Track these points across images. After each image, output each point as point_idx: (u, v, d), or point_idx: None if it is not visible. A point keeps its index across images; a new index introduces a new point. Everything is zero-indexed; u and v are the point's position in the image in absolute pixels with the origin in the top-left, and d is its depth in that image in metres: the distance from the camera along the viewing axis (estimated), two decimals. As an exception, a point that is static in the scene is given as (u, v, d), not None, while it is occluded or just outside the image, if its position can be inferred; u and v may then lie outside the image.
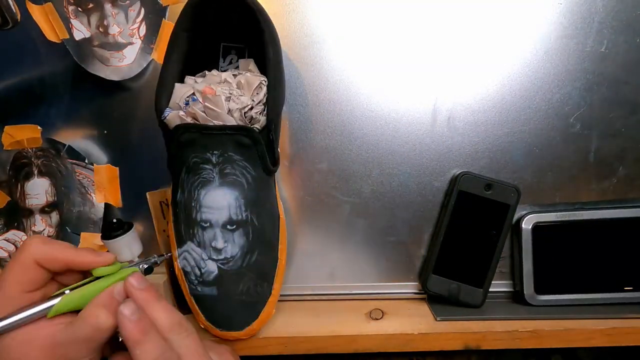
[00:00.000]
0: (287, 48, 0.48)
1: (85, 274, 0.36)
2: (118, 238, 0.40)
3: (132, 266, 0.37)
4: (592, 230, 0.48)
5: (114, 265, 0.35)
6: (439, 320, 0.46)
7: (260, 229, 0.42)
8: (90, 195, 0.48)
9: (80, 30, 0.46)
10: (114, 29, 0.46)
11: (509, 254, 0.50)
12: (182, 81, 0.44)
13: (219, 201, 0.40)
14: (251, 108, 0.42)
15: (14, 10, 0.46)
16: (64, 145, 0.48)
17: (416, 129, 0.49)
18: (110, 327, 0.32)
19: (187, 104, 0.42)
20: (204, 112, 0.40)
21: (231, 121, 0.40)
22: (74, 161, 0.48)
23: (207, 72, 0.45)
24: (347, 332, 0.44)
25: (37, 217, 0.48)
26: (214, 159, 0.40)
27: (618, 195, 0.49)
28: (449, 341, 0.44)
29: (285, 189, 0.50)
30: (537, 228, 0.48)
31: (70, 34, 0.46)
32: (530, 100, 0.48)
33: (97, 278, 0.35)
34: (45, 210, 0.48)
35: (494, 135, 0.49)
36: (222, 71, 0.47)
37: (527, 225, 0.48)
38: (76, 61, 0.47)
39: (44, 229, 0.48)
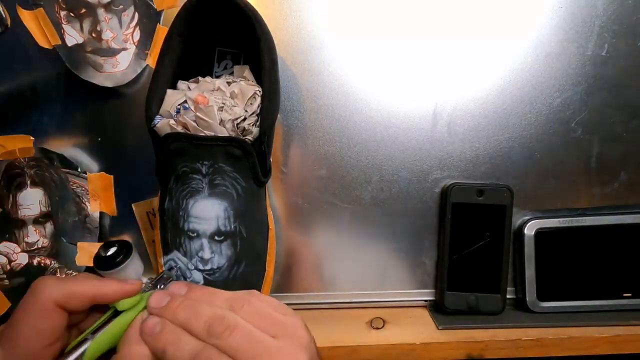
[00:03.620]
0: (284, 53, 0.47)
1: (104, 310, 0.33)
2: (125, 264, 0.35)
3: (148, 289, 0.34)
4: (594, 236, 0.48)
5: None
6: (441, 329, 0.45)
7: (249, 241, 0.41)
8: (84, 204, 0.47)
9: (73, 36, 0.45)
10: (107, 35, 0.45)
11: (512, 260, 0.50)
12: (174, 86, 0.43)
13: (208, 212, 0.39)
14: (244, 119, 0.41)
15: (4, 16, 0.45)
16: (57, 154, 0.47)
17: (416, 134, 0.49)
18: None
19: (178, 112, 0.41)
20: (195, 121, 0.39)
21: (223, 132, 0.39)
22: (68, 170, 0.47)
23: (200, 78, 0.44)
24: (347, 343, 0.44)
25: (30, 228, 0.46)
26: (203, 170, 0.39)
27: (620, 200, 0.49)
28: (452, 350, 0.44)
29: (283, 196, 0.49)
30: (539, 234, 0.48)
31: (63, 40, 0.45)
32: (531, 105, 0.48)
33: (118, 312, 0.32)
34: (39, 220, 0.47)
35: (494, 141, 0.49)
36: (216, 77, 0.46)
37: (529, 231, 0.48)
38: (69, 68, 0.46)
39: (37, 240, 0.47)
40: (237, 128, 0.41)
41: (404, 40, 0.47)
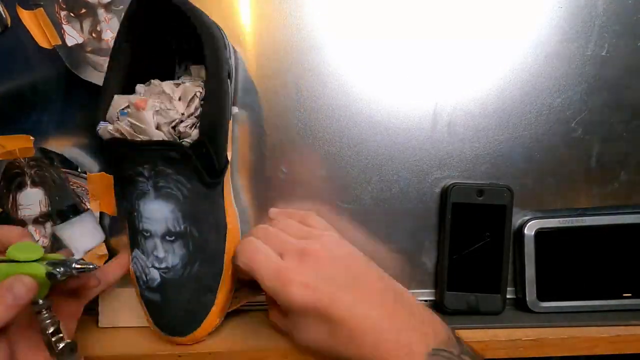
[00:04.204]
0: (284, 53, 0.47)
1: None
2: (66, 222, 0.37)
3: (47, 264, 0.35)
4: (594, 236, 0.48)
5: (35, 252, 0.34)
6: (441, 329, 0.45)
7: (202, 240, 0.42)
8: (84, 204, 0.47)
9: (73, 36, 0.45)
10: (107, 35, 0.45)
11: (512, 260, 0.49)
12: (131, 91, 0.43)
13: (156, 213, 0.40)
14: (181, 122, 0.40)
15: (4, 16, 0.45)
16: (57, 154, 0.47)
17: (416, 134, 0.49)
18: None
19: (117, 117, 0.40)
20: (130, 126, 0.39)
21: (160, 135, 0.39)
22: (68, 170, 0.47)
23: (152, 81, 0.43)
24: (348, 343, 0.43)
25: (30, 227, 0.46)
26: (146, 173, 0.39)
27: (620, 201, 0.49)
28: (452, 350, 0.43)
29: (283, 196, 0.49)
30: (539, 234, 0.48)
31: (63, 40, 0.45)
32: (531, 105, 0.48)
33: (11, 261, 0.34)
34: (39, 220, 0.47)
35: (494, 141, 0.49)
36: (177, 78, 0.46)
37: (529, 231, 0.48)
38: (68, 68, 0.45)
39: (38, 240, 0.47)
40: (174, 131, 0.40)
41: (404, 40, 0.47)
